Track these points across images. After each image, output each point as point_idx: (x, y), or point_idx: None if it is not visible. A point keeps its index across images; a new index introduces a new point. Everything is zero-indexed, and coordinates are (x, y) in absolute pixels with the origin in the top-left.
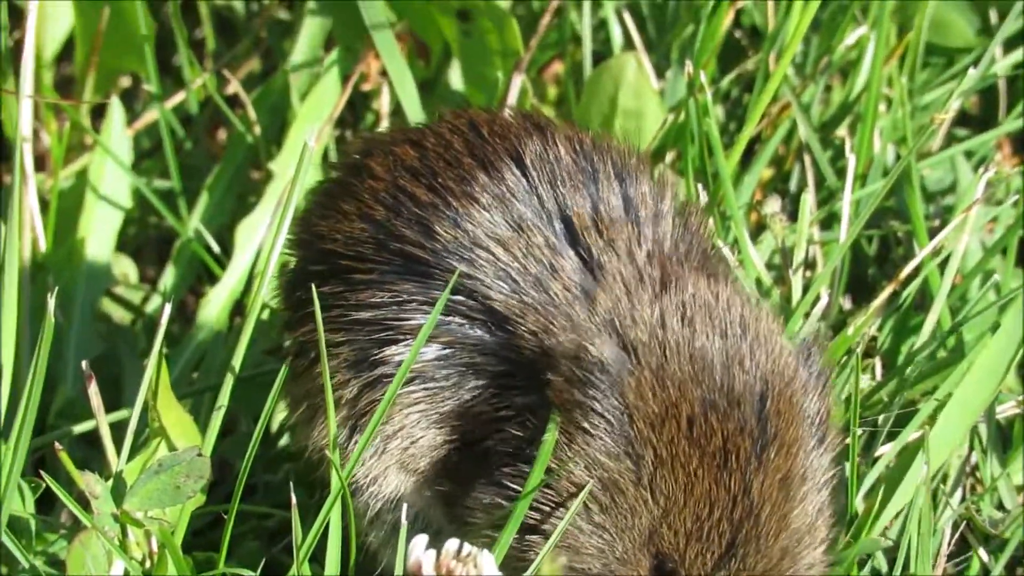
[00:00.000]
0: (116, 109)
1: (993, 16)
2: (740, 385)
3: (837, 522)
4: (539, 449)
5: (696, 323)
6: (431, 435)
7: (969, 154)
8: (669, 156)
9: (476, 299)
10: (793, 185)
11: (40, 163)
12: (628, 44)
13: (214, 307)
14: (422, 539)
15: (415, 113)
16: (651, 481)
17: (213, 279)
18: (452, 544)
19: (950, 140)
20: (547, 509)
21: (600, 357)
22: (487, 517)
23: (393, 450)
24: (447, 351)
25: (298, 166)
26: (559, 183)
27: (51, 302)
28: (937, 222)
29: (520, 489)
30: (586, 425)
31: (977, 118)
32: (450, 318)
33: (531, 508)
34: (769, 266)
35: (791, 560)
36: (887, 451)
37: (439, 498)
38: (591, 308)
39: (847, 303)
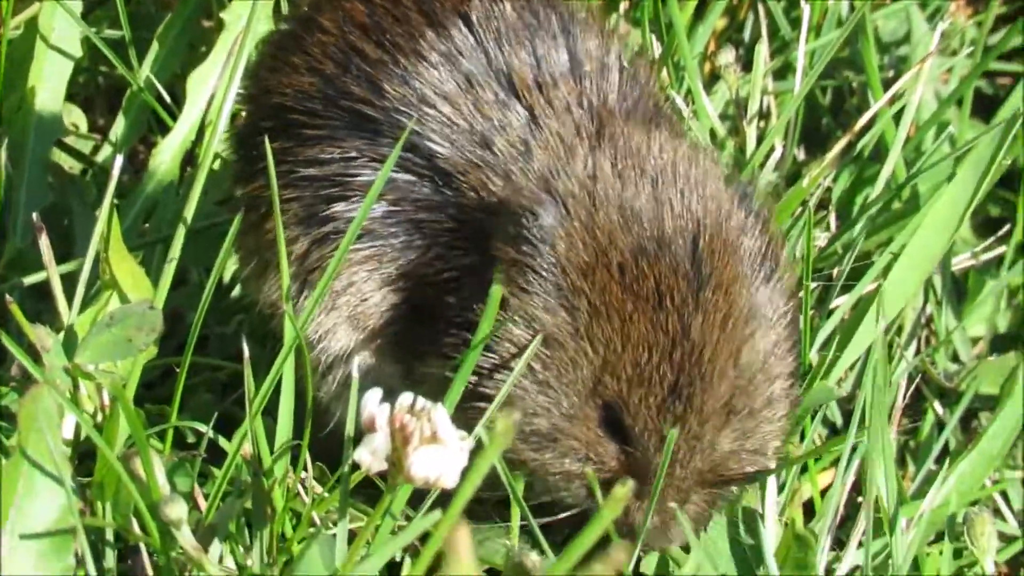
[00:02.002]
0: None
1: None
2: (671, 229)
3: (799, 355)
4: (485, 309)
5: (627, 172)
6: (380, 294)
7: (924, 4)
8: (623, 7)
9: (423, 156)
10: (747, 35)
11: None
12: None
13: (165, 157)
14: (375, 393)
15: None
16: (588, 331)
17: (164, 129)
18: (406, 398)
19: None
20: (492, 370)
21: (532, 213)
22: (436, 380)
23: (342, 306)
24: (395, 208)
25: (250, 16)
26: (505, 39)
27: (1, 153)
28: (892, 73)
29: (464, 351)
30: (522, 282)
31: None
32: (398, 175)
33: (477, 372)
34: (723, 117)
35: (745, 396)
36: (842, 303)
37: (389, 358)
38: (528, 164)
39: (801, 154)
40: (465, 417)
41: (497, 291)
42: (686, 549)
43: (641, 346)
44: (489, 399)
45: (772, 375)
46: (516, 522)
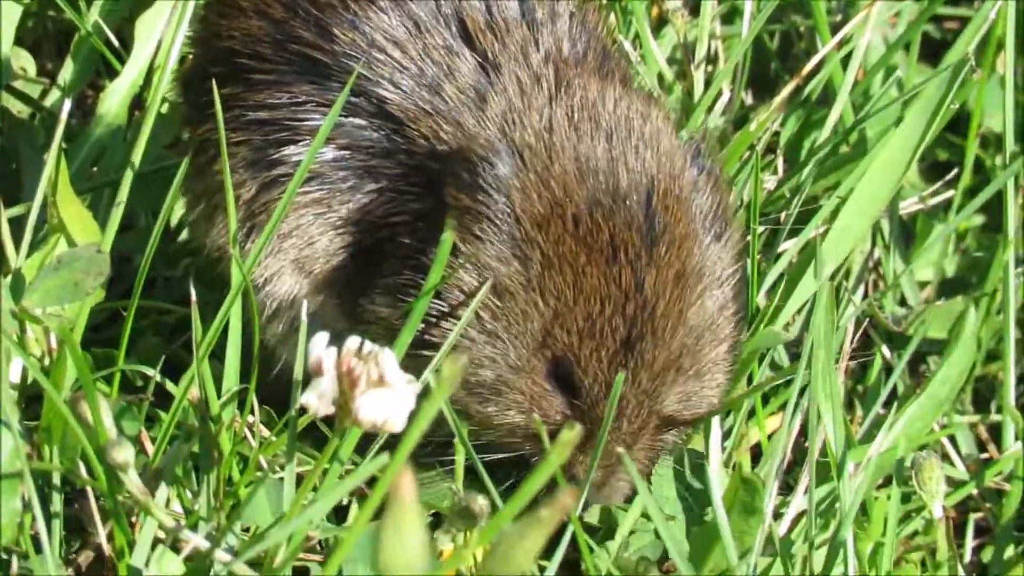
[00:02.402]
0: None
1: None
2: (625, 183)
3: (742, 319)
4: (436, 253)
5: (582, 126)
6: (327, 238)
7: None
8: None
9: (373, 101)
10: None
11: None
12: None
13: (113, 101)
14: (323, 337)
15: None
16: (540, 282)
17: (112, 73)
18: (353, 342)
19: None
20: (436, 318)
21: (488, 162)
22: (384, 325)
23: (288, 249)
24: (344, 152)
25: None
26: None
27: None
28: (840, 17)
29: (414, 297)
30: (476, 230)
31: None
32: (348, 119)
33: (424, 320)
34: (671, 61)
35: (691, 357)
36: (789, 247)
37: (335, 302)
38: (483, 112)
39: (749, 98)
40: (413, 364)
41: (448, 238)
42: (628, 502)
43: (593, 299)
44: (436, 346)
45: (719, 337)
46: (461, 464)
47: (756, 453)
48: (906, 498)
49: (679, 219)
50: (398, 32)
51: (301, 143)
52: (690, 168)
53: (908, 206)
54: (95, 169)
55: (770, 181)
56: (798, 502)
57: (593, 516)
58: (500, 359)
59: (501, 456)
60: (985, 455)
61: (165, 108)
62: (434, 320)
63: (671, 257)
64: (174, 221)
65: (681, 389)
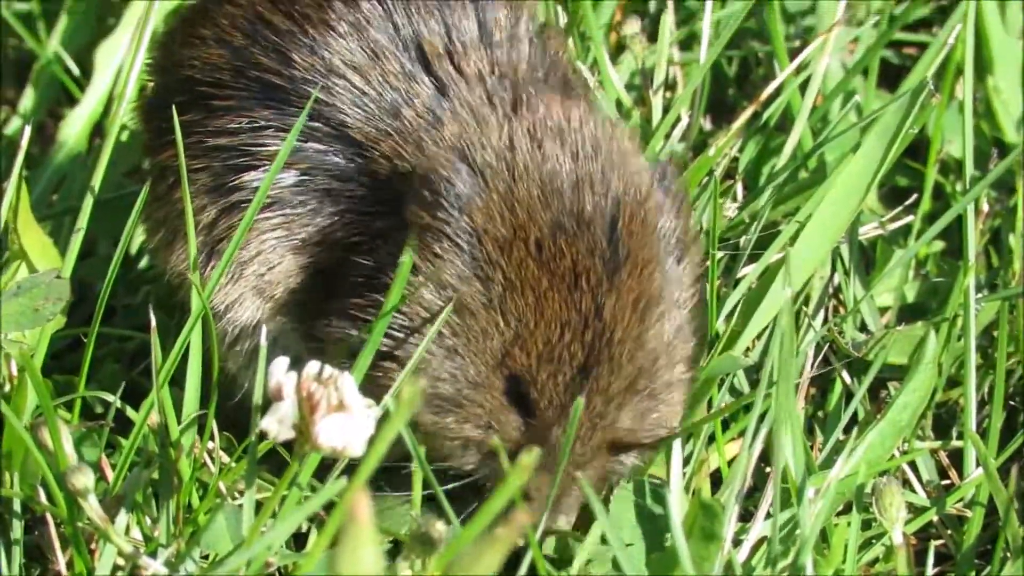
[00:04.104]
0: None
1: None
2: (591, 207)
3: (700, 341)
4: (396, 273)
5: (546, 145)
6: (288, 262)
7: None
8: None
9: (333, 125)
10: (653, 5)
11: None
12: None
13: (74, 129)
14: (282, 362)
15: None
16: (501, 303)
17: (73, 101)
18: (312, 366)
19: None
20: (401, 335)
21: (449, 181)
22: (344, 347)
23: (249, 276)
24: (304, 177)
25: None
26: (414, 9)
27: None
28: (798, 43)
29: (372, 317)
30: (437, 248)
31: None
32: (308, 144)
33: (386, 335)
34: (629, 87)
35: (647, 379)
36: (748, 273)
37: (296, 326)
38: (441, 133)
39: (708, 124)
40: (371, 378)
41: (409, 257)
42: (577, 528)
43: (553, 323)
44: (396, 361)
45: (674, 359)
46: (419, 490)
47: (716, 479)
48: (867, 524)
49: (642, 244)
50: (357, 57)
51: (260, 168)
52: (656, 191)
53: (868, 231)
54: (55, 196)
55: (729, 208)
56: (758, 528)
57: (549, 547)
58: (459, 374)
59: (457, 484)
60: (946, 481)
61: (125, 136)
62: (394, 336)
63: (632, 282)
64: (134, 248)
65: (636, 408)
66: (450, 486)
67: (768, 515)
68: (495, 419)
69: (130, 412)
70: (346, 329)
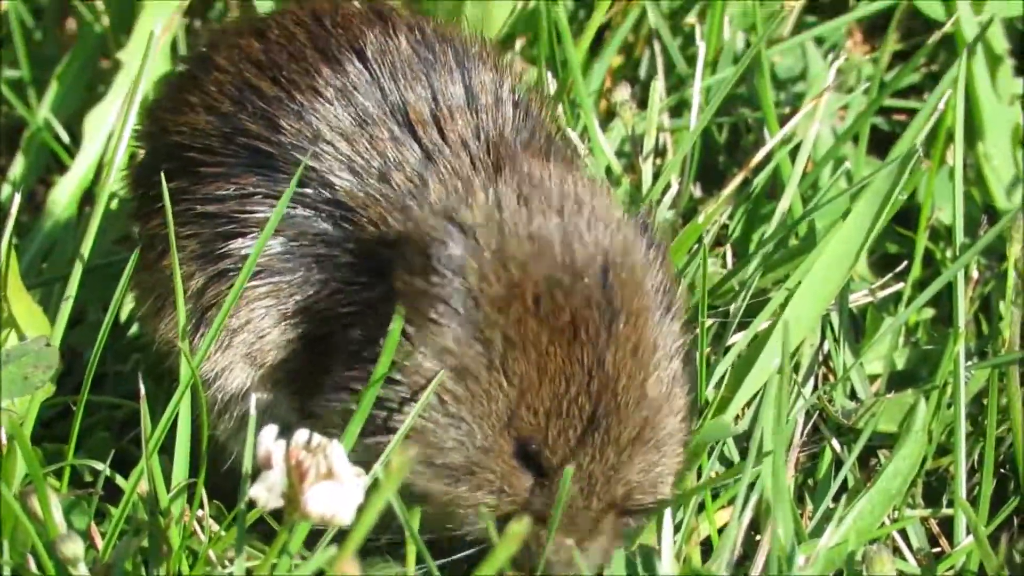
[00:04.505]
0: None
1: None
2: (581, 259)
3: (692, 390)
4: (384, 344)
5: (532, 203)
6: (278, 331)
7: (820, 41)
8: (519, 44)
9: (320, 191)
10: (643, 72)
11: None
12: None
13: (63, 196)
14: (271, 430)
15: (263, 2)
16: (503, 363)
17: (62, 168)
18: (301, 435)
19: (801, 27)
20: (397, 405)
21: (441, 243)
22: (337, 419)
23: (239, 344)
24: (293, 244)
25: (144, 56)
26: (400, 74)
27: None
28: (788, 109)
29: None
30: (432, 314)
31: (828, 4)
32: (295, 210)
33: (380, 406)
34: (619, 154)
35: (652, 429)
36: (738, 340)
37: (287, 395)
38: (428, 198)
39: (697, 191)
40: (374, 452)
41: (398, 324)
42: None
43: (558, 379)
44: (394, 432)
45: (674, 408)
46: (412, 559)
47: (707, 547)
48: None
49: (634, 293)
50: (344, 123)
51: (249, 235)
52: (640, 242)
53: (858, 298)
54: (45, 263)
55: (718, 274)
56: None
57: None
58: (467, 441)
59: (457, 556)
60: (937, 549)
61: (115, 203)
62: (395, 406)
63: (629, 331)
64: (124, 316)
65: (643, 460)
66: (463, 553)
67: None
68: (507, 483)
69: (119, 480)
70: (339, 403)
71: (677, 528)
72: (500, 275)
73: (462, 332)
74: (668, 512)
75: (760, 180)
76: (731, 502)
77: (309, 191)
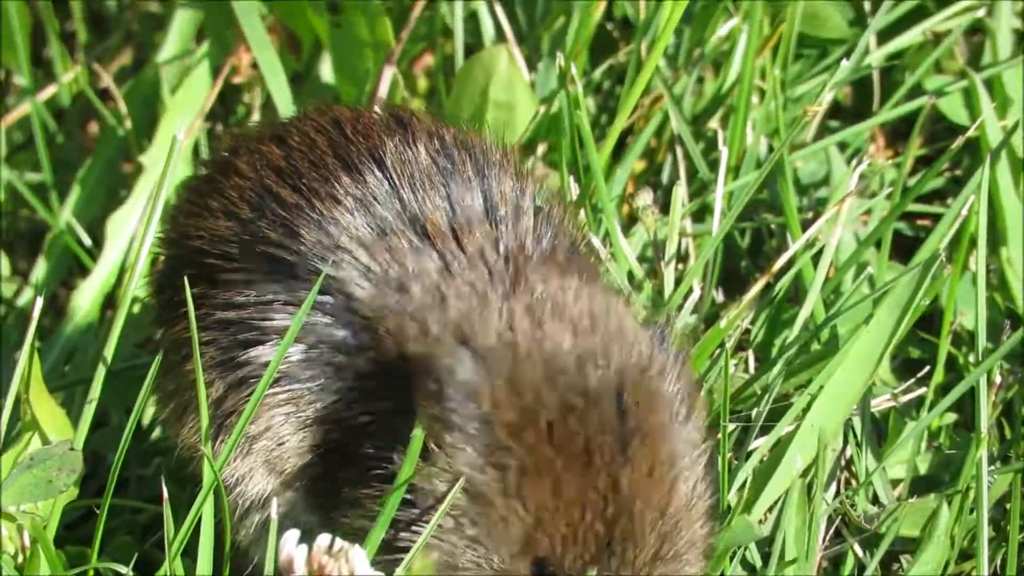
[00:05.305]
0: None
1: (867, 6)
2: (596, 382)
3: (715, 492)
4: (404, 461)
5: (546, 324)
6: (297, 438)
7: (843, 146)
8: (541, 148)
9: (340, 300)
10: (665, 177)
11: None
12: (499, 36)
13: (85, 300)
14: (293, 535)
15: (286, 106)
16: (519, 490)
17: (85, 272)
18: (323, 540)
19: (823, 132)
20: (410, 525)
21: (451, 369)
22: (355, 535)
23: (259, 451)
24: (312, 351)
25: (167, 160)
26: (419, 184)
27: None
28: (811, 214)
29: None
30: (447, 438)
31: (851, 109)
32: (315, 319)
33: (396, 527)
34: (641, 259)
35: (670, 543)
36: (760, 445)
37: (307, 501)
38: (444, 315)
39: (720, 296)
40: (389, 563)
41: (417, 442)
42: None
43: (573, 504)
44: (408, 551)
45: (693, 518)
46: None
47: None
48: None
49: (650, 412)
50: (363, 232)
51: (268, 343)
52: (657, 355)
53: (880, 403)
54: (67, 367)
55: (741, 378)
56: None
57: None
58: (484, 564)
59: None
60: None
61: (137, 307)
62: (406, 527)
63: (645, 451)
64: (146, 420)
65: (663, 570)
66: None
67: None
68: None
69: None
70: (357, 515)
71: None
72: (513, 401)
73: (476, 457)
74: None
75: (782, 285)
76: None
77: (328, 299)
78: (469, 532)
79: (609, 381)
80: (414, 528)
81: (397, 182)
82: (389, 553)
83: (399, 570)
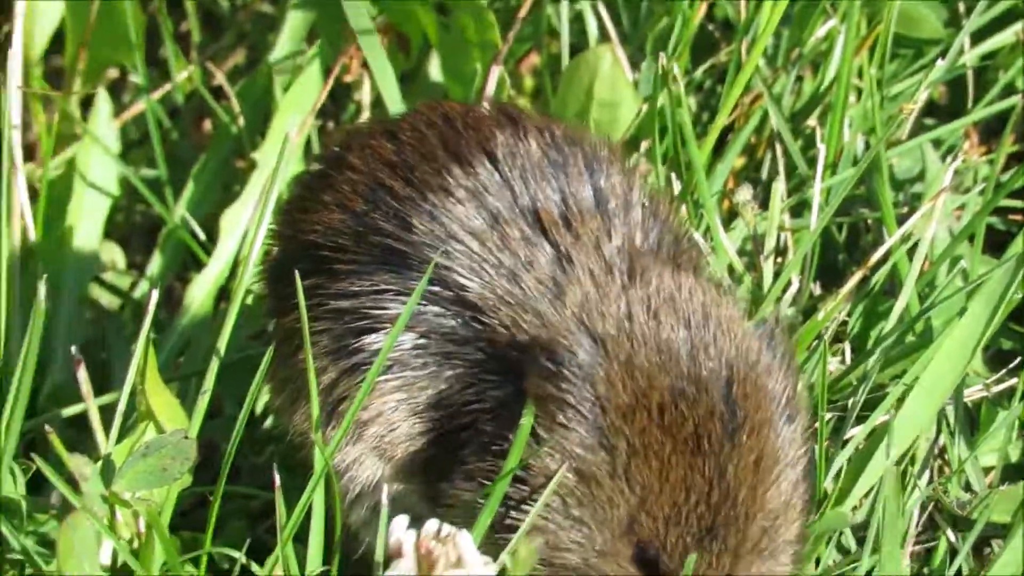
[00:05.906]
0: (103, 100)
1: (961, 7)
2: (706, 372)
3: (811, 497)
4: (513, 442)
5: (661, 315)
6: (408, 424)
7: (937, 143)
8: (643, 146)
9: (452, 290)
10: (765, 174)
11: (30, 153)
12: (603, 37)
13: (200, 293)
14: (402, 520)
15: (395, 104)
16: (626, 471)
17: (199, 265)
18: (432, 524)
19: (919, 129)
20: (520, 503)
21: (571, 351)
22: (465, 508)
23: (369, 437)
24: (423, 340)
25: (279, 156)
26: (530, 176)
27: (41, 289)
28: (906, 209)
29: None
30: (561, 418)
31: (945, 108)
32: (426, 308)
33: (504, 503)
34: (741, 253)
35: (769, 538)
36: (856, 433)
37: (416, 485)
38: (561, 302)
39: (817, 289)
40: (496, 548)
41: (528, 423)
42: None
43: (679, 488)
44: (517, 531)
45: (792, 517)
46: None
47: None
48: None
49: (757, 406)
50: (475, 223)
51: (381, 331)
52: (765, 353)
53: (972, 393)
54: (182, 358)
55: (838, 369)
56: None
57: None
58: (587, 543)
59: None
60: None
61: (250, 299)
62: (515, 504)
63: (751, 443)
64: (259, 409)
65: (761, 567)
66: None
67: None
68: None
69: (255, 568)
70: (469, 492)
71: None
72: (627, 384)
73: (588, 437)
74: None
75: (878, 278)
76: None
77: (440, 289)
78: (575, 512)
79: (719, 372)
80: (523, 507)
81: (508, 174)
82: (496, 532)
83: (505, 552)
